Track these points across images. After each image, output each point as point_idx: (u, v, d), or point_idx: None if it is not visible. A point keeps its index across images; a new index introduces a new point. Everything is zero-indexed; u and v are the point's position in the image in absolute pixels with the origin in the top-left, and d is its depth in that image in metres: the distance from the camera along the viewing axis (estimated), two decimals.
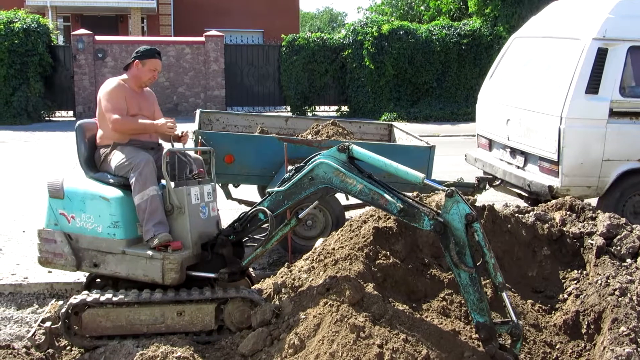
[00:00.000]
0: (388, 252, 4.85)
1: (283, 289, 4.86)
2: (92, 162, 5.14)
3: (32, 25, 18.77)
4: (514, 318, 4.10)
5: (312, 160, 4.63)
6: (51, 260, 5.00)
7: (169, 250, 4.74)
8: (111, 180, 4.96)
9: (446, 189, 4.12)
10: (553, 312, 4.89)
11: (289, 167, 4.85)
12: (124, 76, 5.25)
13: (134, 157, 4.91)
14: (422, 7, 29.14)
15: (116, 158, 4.99)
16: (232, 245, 4.97)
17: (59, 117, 20.23)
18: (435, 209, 4.21)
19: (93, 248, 4.88)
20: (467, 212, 4.05)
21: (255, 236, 5.21)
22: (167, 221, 4.84)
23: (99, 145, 5.14)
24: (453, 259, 4.07)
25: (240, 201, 7.57)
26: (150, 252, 4.74)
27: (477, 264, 4.11)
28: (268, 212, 4.73)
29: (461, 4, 25.55)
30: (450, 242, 4.07)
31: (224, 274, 4.85)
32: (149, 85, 5.35)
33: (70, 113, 20.14)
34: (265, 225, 4.88)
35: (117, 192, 4.87)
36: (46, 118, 19.66)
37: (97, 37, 19.98)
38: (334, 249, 4.95)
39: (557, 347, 4.62)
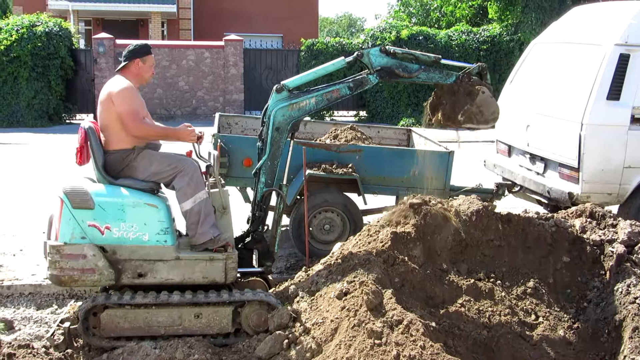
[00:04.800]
0: (406, 258, 4.84)
1: (300, 293, 4.86)
2: (105, 167, 4.80)
3: (54, 29, 18.95)
4: (467, 65, 5.24)
5: (267, 118, 5.07)
6: (78, 277, 4.60)
7: (229, 250, 4.84)
8: (138, 186, 4.76)
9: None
10: (573, 319, 4.85)
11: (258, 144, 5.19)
12: (121, 77, 4.85)
13: (178, 162, 4.81)
14: (437, 14, 29.04)
15: (150, 163, 4.79)
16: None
17: (79, 119, 20.36)
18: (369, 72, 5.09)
19: (137, 258, 4.68)
20: (378, 47, 5.04)
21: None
22: None
23: (114, 150, 4.78)
24: (411, 76, 5.07)
25: None
26: (211, 254, 4.80)
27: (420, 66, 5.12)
28: (274, 189, 5.11)
29: (479, 10, 25.43)
30: (397, 72, 5.04)
31: (270, 266, 5.25)
32: (149, 81, 5.17)
33: (91, 116, 20.27)
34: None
35: (160, 199, 4.82)
36: (67, 121, 19.83)
37: (118, 41, 20.13)
38: (351, 253, 4.94)
39: (577, 355, 4.57)
